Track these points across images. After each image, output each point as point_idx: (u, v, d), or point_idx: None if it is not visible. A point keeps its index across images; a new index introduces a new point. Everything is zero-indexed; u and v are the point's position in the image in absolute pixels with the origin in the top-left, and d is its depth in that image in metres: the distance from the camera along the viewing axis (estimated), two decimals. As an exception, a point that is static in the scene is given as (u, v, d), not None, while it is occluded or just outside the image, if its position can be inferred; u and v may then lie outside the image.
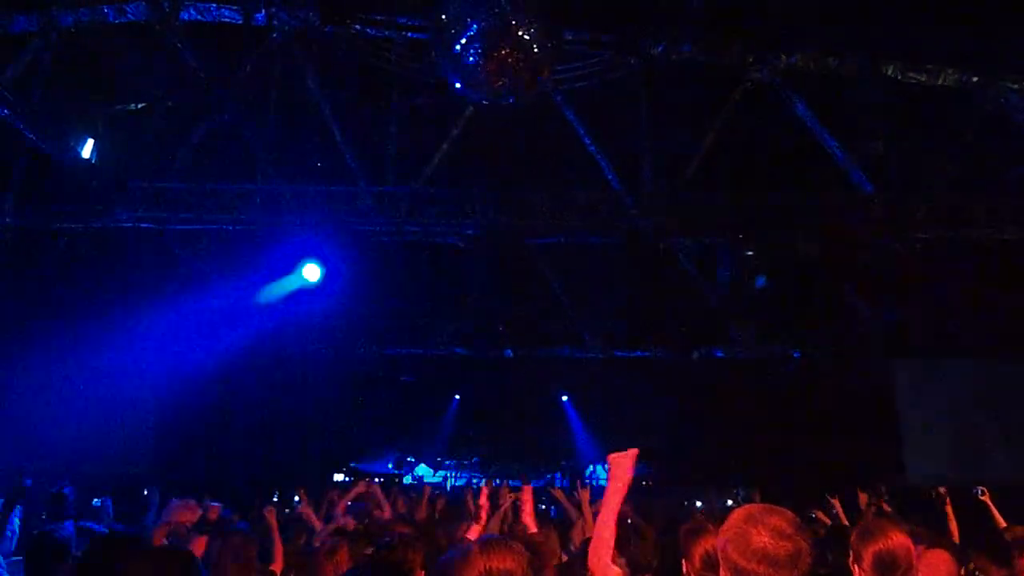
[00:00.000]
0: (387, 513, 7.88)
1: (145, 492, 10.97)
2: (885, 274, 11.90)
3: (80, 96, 10.62)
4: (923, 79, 10.29)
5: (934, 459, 12.86)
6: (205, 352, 13.89)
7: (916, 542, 3.43)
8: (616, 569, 3.05)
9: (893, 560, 3.10)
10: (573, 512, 6.96)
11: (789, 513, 2.23)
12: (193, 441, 14.09)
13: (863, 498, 7.94)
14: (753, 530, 2.17)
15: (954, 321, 12.38)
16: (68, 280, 12.23)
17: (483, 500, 5.46)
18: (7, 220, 9.90)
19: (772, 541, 2.14)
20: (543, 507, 14.87)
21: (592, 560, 3.07)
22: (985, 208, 10.06)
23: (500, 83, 6.65)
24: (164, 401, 13.23)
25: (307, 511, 7.41)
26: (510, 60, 6.40)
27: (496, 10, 6.23)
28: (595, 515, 6.07)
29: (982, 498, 6.82)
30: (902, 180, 10.20)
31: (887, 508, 7.59)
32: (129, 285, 12.73)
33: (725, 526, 2.27)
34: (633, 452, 3.14)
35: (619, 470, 3.11)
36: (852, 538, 3.28)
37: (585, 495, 6.61)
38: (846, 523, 6.73)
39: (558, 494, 7.89)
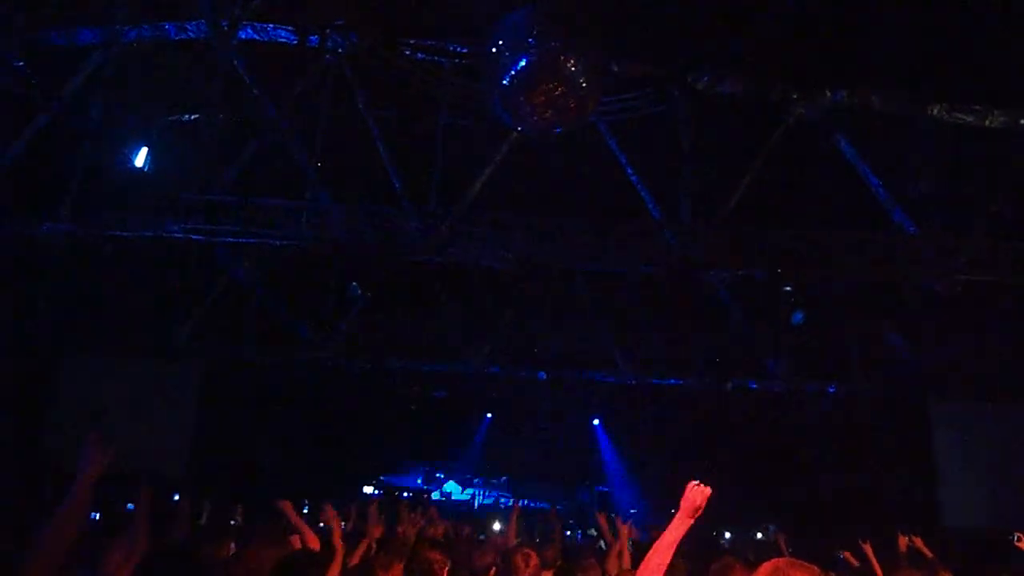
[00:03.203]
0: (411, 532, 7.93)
1: (176, 498, 11.18)
2: (927, 314, 11.78)
3: (136, 103, 10.93)
4: (970, 120, 10.22)
5: (970, 503, 12.65)
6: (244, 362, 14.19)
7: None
8: None
9: None
10: (609, 540, 6.93)
11: (815, 568, 2.30)
12: (228, 450, 14.33)
13: (902, 541, 7.81)
14: (780, 585, 2.25)
15: (995, 364, 12.20)
16: (115, 286, 12.58)
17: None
18: (64, 226, 10.21)
19: None
20: (568, 532, 14.87)
21: None
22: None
23: (547, 116, 6.76)
24: (203, 409, 13.50)
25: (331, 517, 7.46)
26: (557, 94, 6.52)
27: (545, 45, 6.36)
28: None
29: (1018, 544, 6.72)
30: (946, 221, 10.11)
31: (928, 553, 7.47)
32: (174, 294, 13.07)
33: (753, 579, 2.35)
34: (708, 489, 3.14)
35: (692, 501, 3.08)
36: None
37: (624, 529, 6.52)
38: (879, 571, 6.62)
39: (602, 521, 7.86)
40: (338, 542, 5.93)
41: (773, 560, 2.37)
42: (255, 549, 5.02)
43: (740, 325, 12.91)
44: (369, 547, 6.07)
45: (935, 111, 10.07)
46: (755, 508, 17.42)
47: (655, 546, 3.16)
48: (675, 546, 3.10)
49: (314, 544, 5.68)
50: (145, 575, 3.92)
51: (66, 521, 2.74)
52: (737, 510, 17.40)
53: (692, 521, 3.08)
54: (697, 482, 3.09)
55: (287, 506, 6.04)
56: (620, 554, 6.10)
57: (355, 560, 5.76)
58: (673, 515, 3.18)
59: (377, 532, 6.78)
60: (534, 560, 4.97)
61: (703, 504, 3.05)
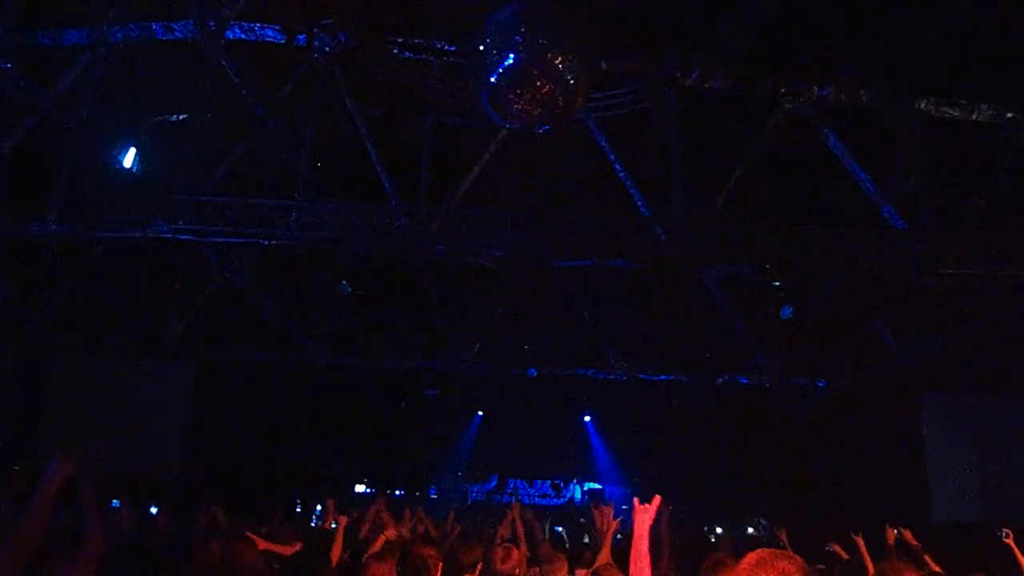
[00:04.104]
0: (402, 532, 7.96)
1: (153, 510, 11.11)
2: (915, 309, 11.85)
3: (124, 104, 10.91)
4: (957, 114, 10.28)
5: (961, 497, 12.72)
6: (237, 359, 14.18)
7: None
8: None
9: None
10: (600, 535, 6.96)
11: (798, 558, 2.34)
12: (220, 449, 14.32)
13: (891, 534, 7.86)
14: (763, 574, 2.29)
15: (985, 357, 12.28)
16: (107, 286, 12.57)
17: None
18: (53, 228, 10.17)
19: None
20: (559, 528, 14.90)
21: None
22: (1017, 245, 10.00)
23: (535, 113, 6.77)
24: (196, 408, 13.49)
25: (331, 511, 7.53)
26: (546, 91, 6.53)
27: (533, 42, 6.37)
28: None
29: (1006, 541, 6.76)
30: (934, 216, 10.16)
31: (916, 544, 7.51)
32: (166, 293, 13.06)
33: (738, 569, 2.39)
34: (655, 503, 3.43)
35: (641, 519, 3.45)
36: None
37: (614, 525, 6.53)
38: (869, 564, 6.67)
39: (597, 515, 7.86)
40: (339, 541, 5.99)
41: (757, 551, 2.40)
42: (239, 548, 5.04)
43: (730, 321, 12.96)
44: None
45: (922, 105, 10.12)
46: (746, 503, 17.50)
47: (631, 561, 3.35)
48: (647, 553, 3.32)
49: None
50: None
51: (28, 528, 2.75)
52: (728, 506, 17.50)
53: (645, 534, 3.37)
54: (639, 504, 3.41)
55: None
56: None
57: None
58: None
59: (392, 532, 6.82)
60: (514, 555, 5.05)
61: (650, 521, 3.34)
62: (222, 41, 10.29)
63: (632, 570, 3.26)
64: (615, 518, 6.50)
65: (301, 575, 4.75)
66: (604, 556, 5.83)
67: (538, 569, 6.04)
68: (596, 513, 7.98)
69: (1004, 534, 6.72)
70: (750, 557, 2.38)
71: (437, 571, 4.65)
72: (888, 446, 13.56)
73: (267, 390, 15.43)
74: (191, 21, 10.29)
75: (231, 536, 6.33)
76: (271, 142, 10.66)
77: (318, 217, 10.32)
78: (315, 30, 10.01)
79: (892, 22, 9.43)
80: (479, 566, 4.81)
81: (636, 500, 3.63)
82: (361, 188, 10.89)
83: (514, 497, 20.94)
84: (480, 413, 20.65)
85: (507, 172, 10.92)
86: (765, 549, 2.40)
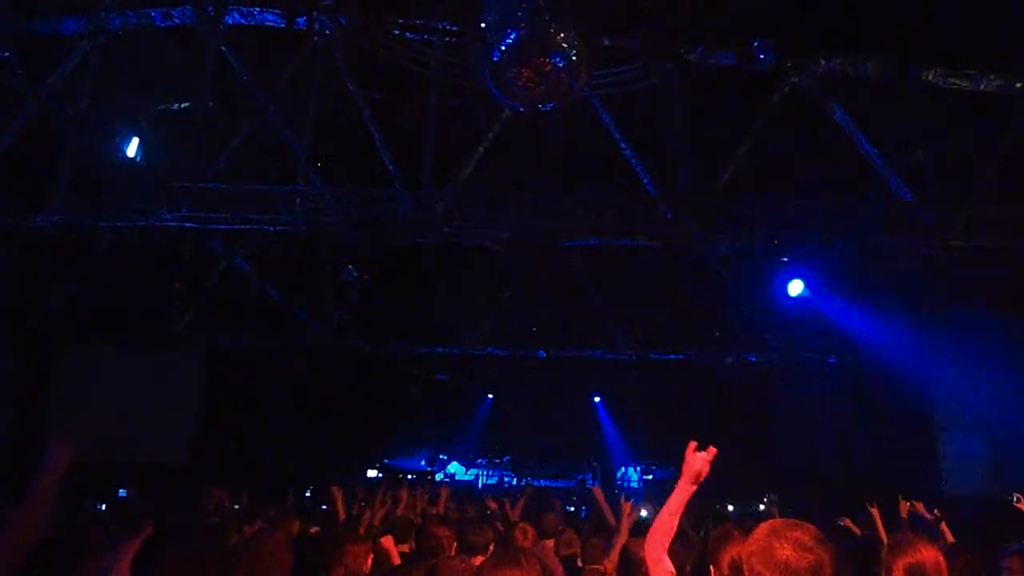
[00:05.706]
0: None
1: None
2: (924, 281, 11.78)
3: (125, 93, 10.87)
4: (965, 85, 10.14)
5: (971, 469, 12.69)
6: (245, 346, 14.21)
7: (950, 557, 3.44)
8: (668, 563, 3.10)
9: (922, 574, 3.15)
10: (609, 516, 6.95)
11: (812, 527, 2.31)
12: (231, 436, 14.38)
13: (903, 506, 7.83)
14: (777, 543, 2.27)
15: (993, 330, 12.20)
16: (113, 277, 12.59)
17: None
18: (57, 217, 10.15)
19: (795, 553, 2.24)
20: (571, 508, 14.95)
21: (648, 550, 3.14)
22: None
23: (538, 90, 6.70)
24: (205, 396, 13.54)
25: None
26: (548, 68, 6.47)
27: (536, 19, 6.30)
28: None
29: (1018, 505, 6.72)
30: (942, 188, 10.06)
31: (929, 517, 7.47)
32: (172, 282, 13.08)
33: (750, 539, 2.36)
34: (711, 452, 3.17)
35: (692, 467, 3.12)
36: (883, 552, 3.34)
37: (627, 507, 6.48)
38: (883, 535, 6.63)
39: (598, 494, 7.88)
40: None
41: (770, 520, 2.38)
42: (266, 533, 5.07)
43: (738, 298, 12.92)
44: (370, 524, 6.15)
45: (930, 76, 9.99)
46: (756, 481, 17.51)
47: (660, 514, 3.18)
48: (679, 513, 3.13)
49: None
50: (152, 558, 3.93)
51: (29, 518, 2.72)
52: (738, 483, 17.50)
53: (695, 487, 3.11)
54: (696, 446, 3.12)
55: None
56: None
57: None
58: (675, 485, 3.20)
59: (380, 512, 6.86)
60: (531, 532, 5.08)
61: (706, 469, 3.09)
62: (221, 27, 10.23)
63: (647, 546, 3.15)
64: (628, 499, 6.47)
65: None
66: (622, 540, 5.80)
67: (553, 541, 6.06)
68: (596, 491, 8.01)
69: (1016, 499, 6.68)
70: (763, 527, 2.36)
71: (451, 551, 4.67)
72: (899, 420, 13.52)
73: (275, 377, 15.49)
74: (189, 7, 10.23)
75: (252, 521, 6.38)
76: (273, 127, 10.60)
77: (322, 202, 10.28)
78: (315, 13, 9.93)
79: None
80: (491, 547, 4.81)
81: (692, 445, 3.16)
82: (365, 172, 10.83)
83: (527, 480, 21.05)
84: (490, 396, 20.71)
85: (511, 153, 10.85)
86: (778, 519, 2.38)
